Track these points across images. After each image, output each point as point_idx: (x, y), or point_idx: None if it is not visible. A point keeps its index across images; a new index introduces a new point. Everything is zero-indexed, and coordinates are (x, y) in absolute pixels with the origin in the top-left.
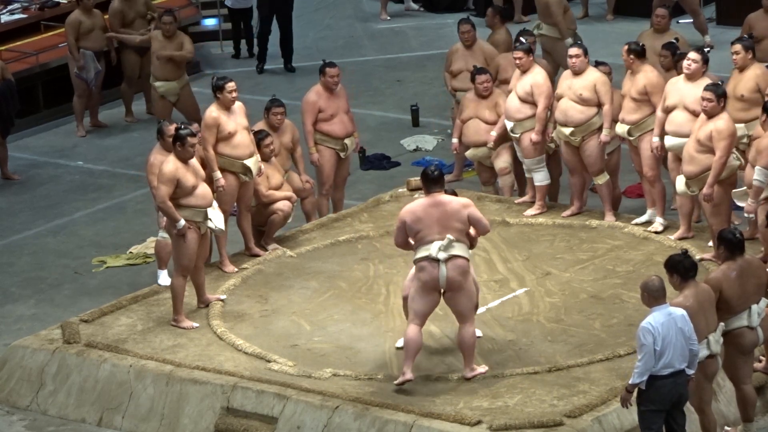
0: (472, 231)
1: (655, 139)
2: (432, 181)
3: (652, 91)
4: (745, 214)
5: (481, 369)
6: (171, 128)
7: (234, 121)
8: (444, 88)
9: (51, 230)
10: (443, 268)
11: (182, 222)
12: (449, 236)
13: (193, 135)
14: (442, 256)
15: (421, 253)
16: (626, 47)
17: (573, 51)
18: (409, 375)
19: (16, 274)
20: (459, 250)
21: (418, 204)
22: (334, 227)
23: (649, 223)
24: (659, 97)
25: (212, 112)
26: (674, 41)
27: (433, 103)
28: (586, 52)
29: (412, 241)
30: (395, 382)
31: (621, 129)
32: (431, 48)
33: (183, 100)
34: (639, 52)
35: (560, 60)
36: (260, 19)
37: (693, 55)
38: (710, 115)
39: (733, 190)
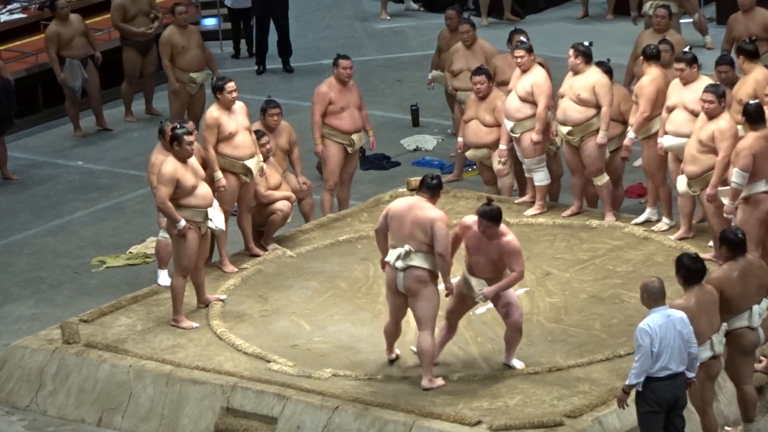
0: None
1: (660, 140)
2: (423, 184)
3: (638, 94)
4: (725, 215)
5: (440, 381)
6: (170, 129)
7: (235, 122)
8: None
9: (51, 230)
10: (400, 275)
11: (183, 222)
12: (407, 246)
13: (189, 133)
14: (399, 265)
15: (388, 256)
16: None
17: (571, 52)
18: (392, 355)
19: (16, 274)
20: (417, 260)
21: (403, 202)
22: (334, 227)
23: (647, 222)
24: (643, 100)
25: (213, 112)
26: (665, 38)
27: (433, 103)
28: (585, 54)
29: None
30: (424, 385)
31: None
32: (431, 48)
33: (199, 95)
34: (648, 56)
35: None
36: (256, 22)
37: (677, 65)
38: (711, 116)
39: (720, 188)
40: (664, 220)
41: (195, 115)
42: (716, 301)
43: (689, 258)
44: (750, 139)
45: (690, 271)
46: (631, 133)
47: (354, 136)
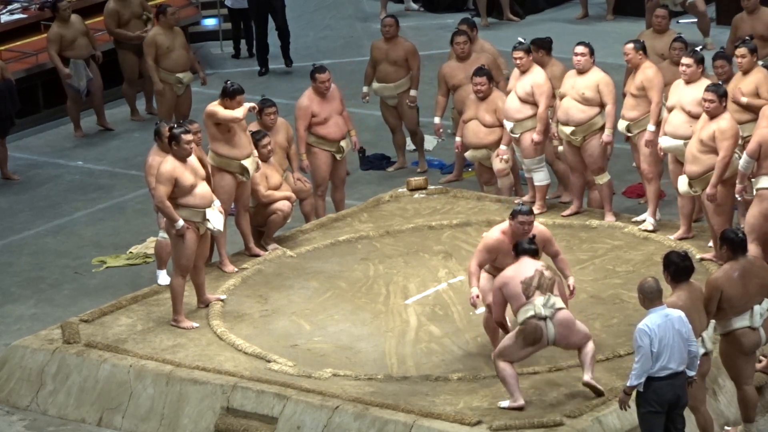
0: None
1: (659, 139)
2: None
3: (648, 86)
4: (736, 195)
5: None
6: (167, 129)
7: (236, 123)
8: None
9: (51, 230)
10: None
11: (181, 222)
12: None
13: (188, 132)
14: None
15: None
16: (632, 45)
17: (579, 49)
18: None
19: (16, 274)
20: None
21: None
22: (334, 227)
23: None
24: (655, 92)
25: (214, 106)
26: (680, 35)
27: (433, 103)
28: (592, 52)
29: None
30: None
31: (621, 125)
32: (431, 48)
33: (186, 95)
34: (643, 48)
35: None
36: (255, 23)
37: (686, 60)
38: (712, 116)
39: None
40: (649, 219)
41: (183, 116)
42: (702, 299)
43: (678, 255)
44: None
45: (679, 268)
46: (651, 126)
47: (342, 143)
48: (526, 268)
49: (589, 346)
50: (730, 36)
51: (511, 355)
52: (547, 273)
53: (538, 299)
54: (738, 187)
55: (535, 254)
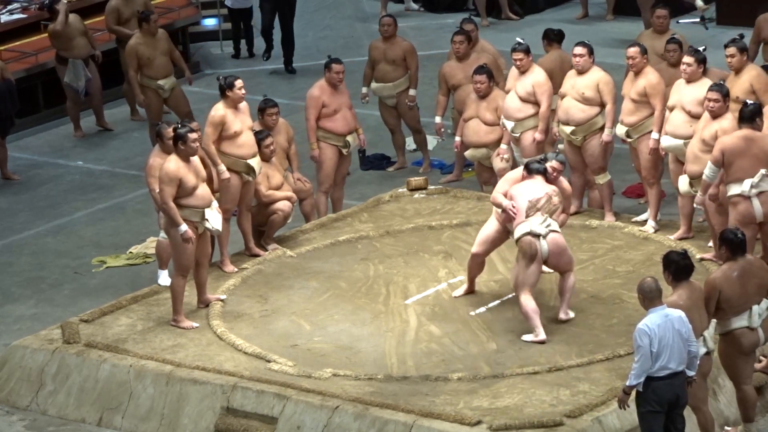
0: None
1: (660, 138)
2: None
3: (651, 93)
4: (694, 205)
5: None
6: (170, 130)
7: (240, 121)
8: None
9: (51, 230)
10: None
11: (184, 227)
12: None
13: (193, 131)
14: None
15: None
16: (638, 48)
17: (578, 50)
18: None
19: (16, 274)
20: None
21: None
22: (334, 227)
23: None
24: (659, 99)
25: (219, 110)
26: (674, 35)
27: (433, 103)
28: (591, 52)
29: None
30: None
31: (620, 130)
32: (431, 48)
33: (176, 95)
34: (645, 52)
35: None
36: (262, 15)
37: (687, 59)
38: (716, 115)
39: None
40: (650, 222)
41: (184, 115)
42: (703, 298)
43: (678, 254)
44: (730, 135)
45: (679, 267)
46: (655, 134)
47: (348, 137)
48: (537, 188)
49: (572, 279)
50: (752, 36)
51: (524, 279)
52: (555, 199)
53: (536, 218)
54: (698, 198)
55: (544, 174)
